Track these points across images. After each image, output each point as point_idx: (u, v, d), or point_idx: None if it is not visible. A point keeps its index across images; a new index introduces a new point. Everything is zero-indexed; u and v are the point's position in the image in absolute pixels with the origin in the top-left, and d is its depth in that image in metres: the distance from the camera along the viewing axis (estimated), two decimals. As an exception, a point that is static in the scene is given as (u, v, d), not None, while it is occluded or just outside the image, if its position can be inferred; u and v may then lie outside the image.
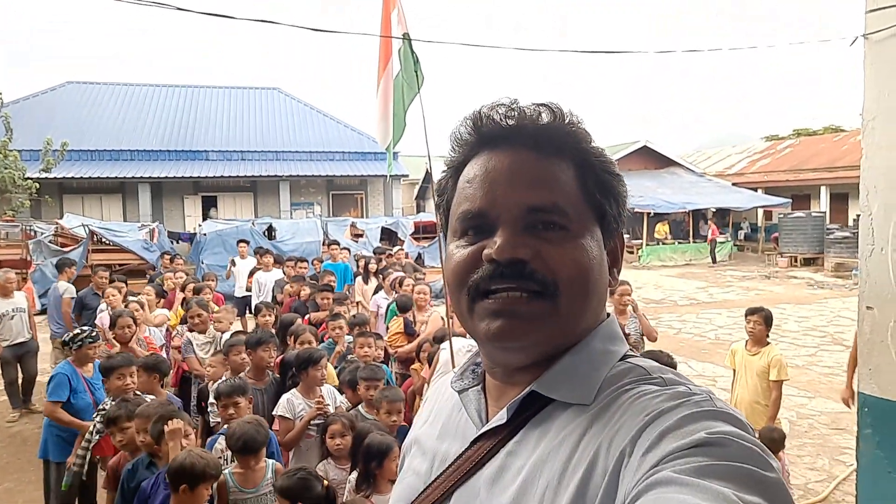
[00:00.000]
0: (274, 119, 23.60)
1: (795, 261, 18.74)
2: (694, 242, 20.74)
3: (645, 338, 5.44)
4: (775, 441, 4.11)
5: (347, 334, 5.08)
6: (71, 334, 4.60)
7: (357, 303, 7.92)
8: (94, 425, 3.87)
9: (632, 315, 5.43)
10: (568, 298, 0.72)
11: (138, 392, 3.92)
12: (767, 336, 4.65)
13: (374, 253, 9.88)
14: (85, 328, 4.81)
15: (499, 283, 0.72)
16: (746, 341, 4.73)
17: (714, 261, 19.66)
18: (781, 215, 19.96)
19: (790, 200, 21.30)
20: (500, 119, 0.77)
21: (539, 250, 0.72)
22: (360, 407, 3.74)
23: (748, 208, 21.55)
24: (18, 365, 6.82)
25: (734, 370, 4.82)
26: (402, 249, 10.22)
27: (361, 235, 15.22)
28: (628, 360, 0.76)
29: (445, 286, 0.84)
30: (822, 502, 4.66)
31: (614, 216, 0.80)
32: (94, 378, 4.49)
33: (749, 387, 4.59)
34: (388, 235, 15.66)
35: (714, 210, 21.60)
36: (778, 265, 18.75)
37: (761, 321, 4.60)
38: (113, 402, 3.68)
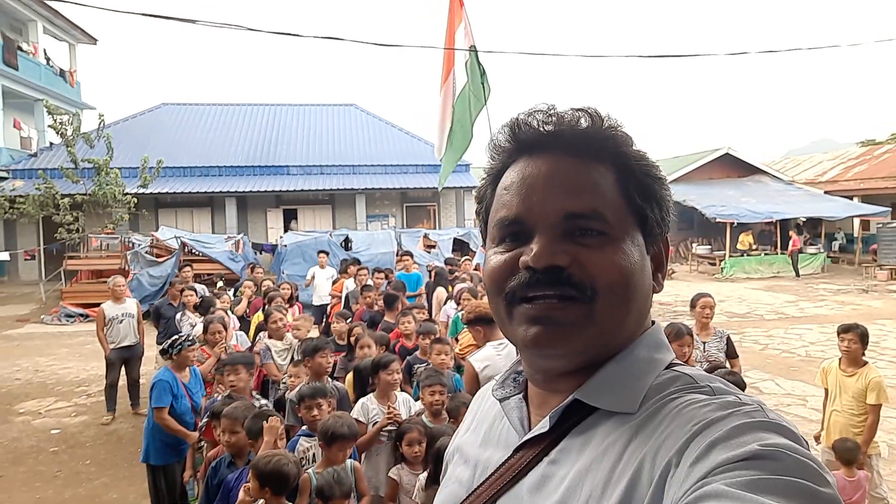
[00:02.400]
0: (351, 134, 24.30)
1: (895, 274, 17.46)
2: (781, 254, 19.65)
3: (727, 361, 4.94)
4: (851, 452, 3.87)
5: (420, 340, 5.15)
6: (170, 341, 4.82)
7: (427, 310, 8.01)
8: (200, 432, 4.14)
9: (715, 332, 5.08)
10: (607, 303, 0.71)
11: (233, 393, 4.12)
12: (864, 355, 4.36)
13: (445, 264, 9.96)
14: (182, 334, 5.13)
15: (536, 291, 0.72)
16: (840, 360, 4.44)
17: (797, 274, 18.57)
18: (880, 225, 18.63)
19: (889, 209, 19.84)
20: (538, 125, 0.77)
21: (577, 256, 0.72)
22: (423, 416, 3.73)
23: (842, 217, 20.21)
24: (123, 368, 7.22)
25: (826, 389, 4.55)
26: (470, 260, 10.24)
27: (434, 246, 15.38)
28: (674, 368, 0.74)
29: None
30: (927, 533, 4.30)
31: (657, 220, 0.78)
32: (192, 383, 4.76)
33: (843, 408, 4.31)
34: (460, 246, 15.75)
35: (804, 220, 20.39)
36: (876, 278, 17.48)
37: (857, 339, 4.30)
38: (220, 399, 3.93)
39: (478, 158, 18.41)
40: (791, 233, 19.32)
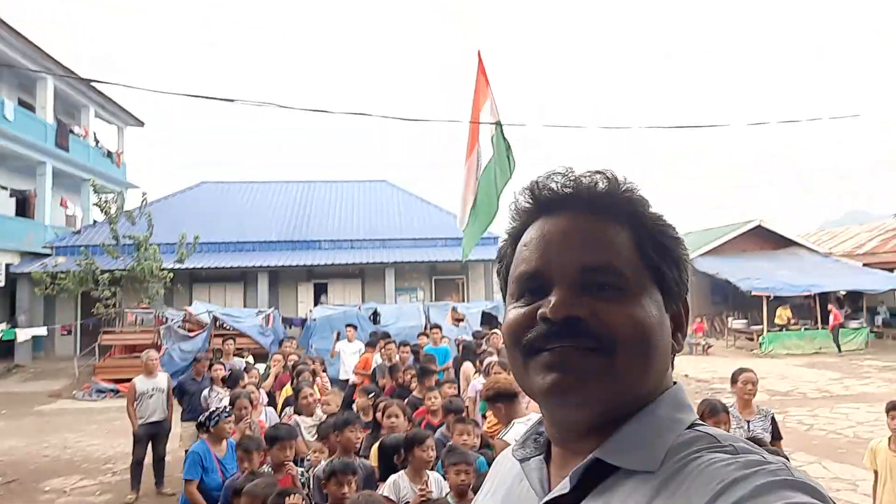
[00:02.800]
0: (381, 209, 24.84)
1: (947, 349, 16.67)
2: (822, 328, 18.98)
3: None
4: None
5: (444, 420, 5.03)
6: (207, 413, 4.87)
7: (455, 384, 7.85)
8: None
9: (759, 410, 4.80)
10: (626, 356, 0.71)
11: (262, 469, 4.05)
12: None
13: (473, 337, 9.85)
14: (216, 407, 5.11)
15: (553, 343, 0.72)
16: (890, 439, 4.20)
17: (839, 349, 17.87)
18: (924, 298, 18.00)
19: (933, 281, 19.22)
20: (557, 187, 0.80)
21: (595, 309, 0.72)
22: (448, 497, 3.60)
23: (884, 290, 19.60)
24: (150, 444, 7.14)
25: (875, 472, 4.28)
26: (497, 333, 10.11)
27: (462, 320, 15.29)
28: (697, 427, 0.73)
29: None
30: None
31: (675, 280, 0.79)
32: (227, 458, 4.71)
33: (896, 491, 4.04)
34: (489, 319, 15.61)
35: (843, 293, 19.81)
36: (925, 354, 16.72)
37: None
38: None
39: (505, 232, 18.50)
40: (831, 306, 18.73)
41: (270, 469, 4.08)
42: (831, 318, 18.49)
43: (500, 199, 5.99)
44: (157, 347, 13.52)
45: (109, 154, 24.92)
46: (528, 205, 0.83)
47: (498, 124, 5.68)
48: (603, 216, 0.77)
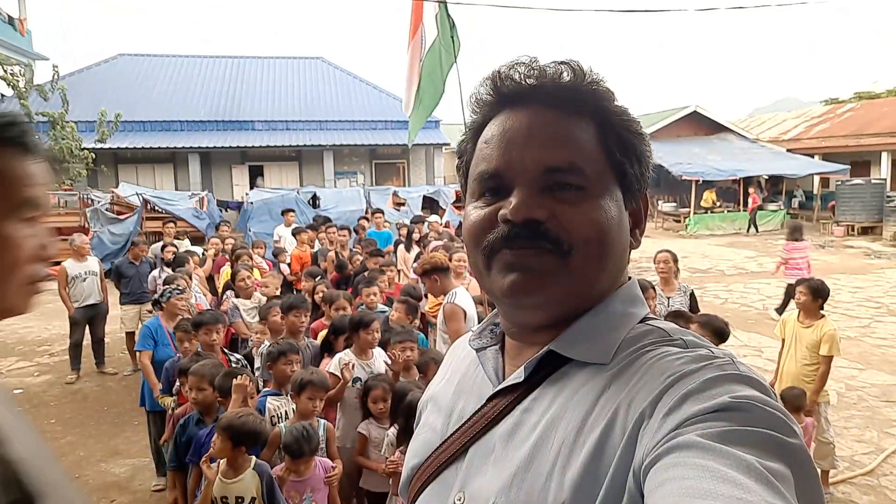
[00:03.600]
0: (318, 88, 23.72)
1: (852, 230, 18.01)
2: (743, 211, 20.10)
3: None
4: (798, 398, 4.07)
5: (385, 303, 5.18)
6: (160, 291, 5.07)
7: (399, 271, 8.02)
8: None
9: (679, 287, 5.23)
10: (582, 258, 0.72)
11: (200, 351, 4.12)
12: (820, 308, 4.51)
13: (411, 222, 9.92)
14: (170, 286, 5.14)
15: (513, 244, 0.72)
16: (799, 312, 4.62)
17: (756, 230, 19.14)
18: (839, 182, 19.12)
19: (848, 167, 20.32)
20: (520, 78, 0.76)
21: (555, 211, 0.72)
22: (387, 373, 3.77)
23: (803, 175, 20.66)
24: (88, 327, 7.12)
25: (783, 340, 4.73)
26: (439, 221, 10.22)
27: (403, 204, 15.30)
28: (648, 322, 0.76)
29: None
30: (870, 475, 4.57)
31: (636, 176, 0.78)
32: None
33: (797, 358, 4.50)
34: (430, 204, 15.70)
35: (767, 177, 20.81)
36: (833, 234, 18.04)
37: (807, 292, 4.48)
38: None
39: (448, 115, 18.20)
40: (751, 189, 19.73)
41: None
42: (750, 201, 19.56)
43: (445, 82, 5.81)
44: (85, 230, 13.02)
45: (11, 20, 22.44)
46: (489, 97, 0.79)
47: (442, 1, 5.38)
48: (567, 112, 0.74)
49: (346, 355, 3.74)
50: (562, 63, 0.76)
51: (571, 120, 0.75)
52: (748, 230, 19.29)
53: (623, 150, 0.76)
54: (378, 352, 3.89)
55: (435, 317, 5.56)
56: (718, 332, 3.70)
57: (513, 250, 0.73)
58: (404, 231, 8.85)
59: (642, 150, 0.78)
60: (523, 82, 0.76)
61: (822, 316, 4.50)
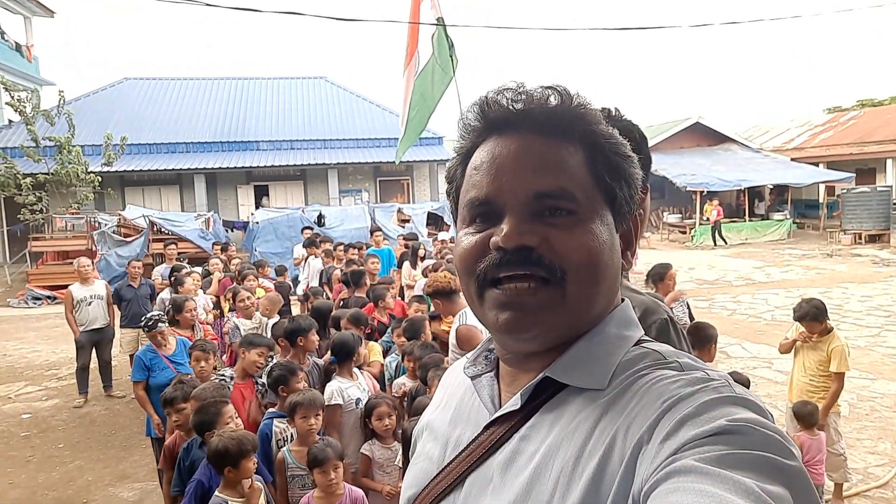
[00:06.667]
0: (321, 108, 23.90)
1: (859, 238, 17.90)
2: (749, 221, 20.03)
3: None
4: (812, 415, 4.02)
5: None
6: (145, 319, 5.01)
7: (404, 286, 8.02)
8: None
9: (681, 298, 5.29)
10: (576, 285, 0.72)
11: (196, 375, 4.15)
12: (826, 325, 4.44)
13: (405, 238, 9.92)
14: (155, 313, 5.18)
15: (506, 271, 0.72)
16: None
17: (724, 242, 18.81)
18: (844, 190, 19.05)
19: (854, 175, 20.28)
20: (507, 104, 0.76)
21: (546, 236, 0.72)
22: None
23: (808, 184, 20.63)
24: (94, 350, 7.13)
25: (794, 351, 4.67)
26: (443, 241, 10.29)
27: (408, 221, 15.35)
28: (643, 344, 0.75)
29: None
30: (884, 487, 4.49)
31: (625, 199, 0.78)
32: (177, 355, 4.89)
33: (806, 372, 4.45)
34: (435, 220, 15.74)
35: (771, 187, 20.76)
36: (840, 243, 17.95)
37: (813, 323, 4.36)
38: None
39: (451, 132, 18.31)
40: (714, 202, 19.16)
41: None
42: (714, 213, 19.08)
43: (439, 101, 5.82)
44: (92, 254, 13.10)
45: (18, 47, 22.76)
46: (477, 123, 0.79)
47: (440, 22, 5.40)
48: (555, 137, 0.74)
49: (340, 383, 3.73)
50: (548, 87, 0.76)
51: (560, 145, 0.74)
52: (714, 243, 18.91)
53: (612, 173, 0.76)
54: (359, 372, 3.93)
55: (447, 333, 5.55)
56: (707, 338, 3.83)
57: (506, 286, 0.72)
58: (404, 243, 8.90)
59: (631, 172, 0.78)
60: (511, 107, 0.75)
61: (830, 330, 4.42)
